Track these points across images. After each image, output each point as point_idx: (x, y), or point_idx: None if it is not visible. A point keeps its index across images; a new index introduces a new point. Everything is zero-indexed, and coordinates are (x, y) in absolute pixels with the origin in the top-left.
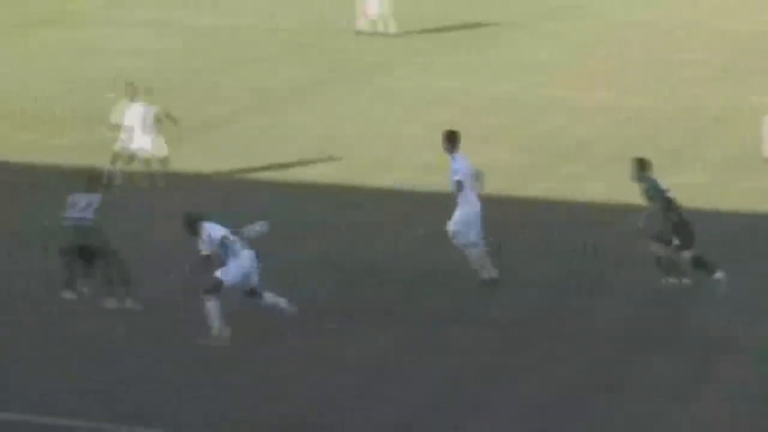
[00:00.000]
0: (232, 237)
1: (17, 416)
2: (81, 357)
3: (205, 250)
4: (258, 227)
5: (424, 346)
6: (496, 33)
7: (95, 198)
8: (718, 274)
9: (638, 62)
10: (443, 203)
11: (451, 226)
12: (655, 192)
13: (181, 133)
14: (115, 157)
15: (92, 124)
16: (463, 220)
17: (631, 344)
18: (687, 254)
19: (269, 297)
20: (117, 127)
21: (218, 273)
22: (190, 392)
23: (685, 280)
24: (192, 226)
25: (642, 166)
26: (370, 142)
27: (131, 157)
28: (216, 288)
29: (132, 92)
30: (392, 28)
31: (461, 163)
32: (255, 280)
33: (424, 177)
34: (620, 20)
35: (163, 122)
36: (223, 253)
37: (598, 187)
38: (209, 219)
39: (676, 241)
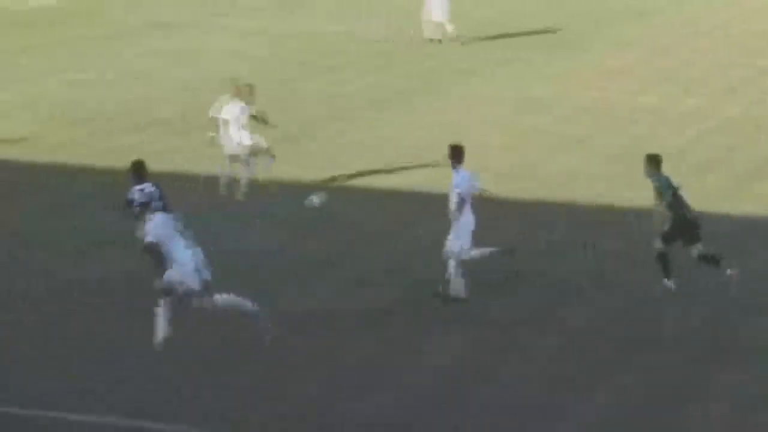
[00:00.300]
0: (177, 233)
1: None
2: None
3: (149, 237)
4: (317, 199)
5: (493, 349)
6: (578, 39)
7: (153, 190)
8: (729, 270)
9: (723, 68)
10: (523, 211)
11: (448, 242)
12: (665, 189)
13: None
14: (233, 158)
15: (188, 129)
16: (457, 233)
17: None
18: (694, 251)
19: (223, 299)
20: (215, 121)
21: (166, 275)
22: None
23: (668, 283)
24: (137, 211)
25: (654, 163)
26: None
27: (233, 158)
28: (167, 291)
29: (235, 90)
30: (450, 34)
31: (463, 177)
32: (206, 278)
33: (505, 184)
34: (700, 27)
35: (259, 122)
36: (167, 247)
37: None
38: (166, 211)
39: (681, 239)
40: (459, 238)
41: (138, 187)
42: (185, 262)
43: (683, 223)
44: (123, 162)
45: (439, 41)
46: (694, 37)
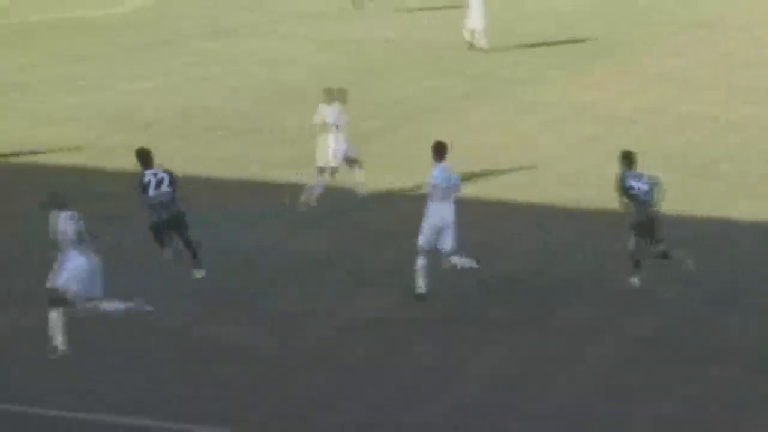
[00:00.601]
0: (76, 237)
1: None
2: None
3: (54, 234)
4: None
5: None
6: (630, 46)
7: (163, 173)
8: (689, 261)
9: None
10: (576, 216)
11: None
12: (622, 187)
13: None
14: (321, 170)
15: (244, 134)
16: (425, 226)
17: None
18: (654, 249)
19: (105, 304)
20: (325, 126)
21: (53, 279)
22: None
23: (634, 281)
24: (49, 206)
25: (624, 160)
26: (512, 155)
27: (333, 170)
28: (57, 300)
29: (329, 96)
30: (480, 42)
31: (439, 172)
32: (96, 289)
33: (560, 190)
34: (752, 35)
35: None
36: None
37: (744, 206)
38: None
39: (644, 237)
40: (421, 231)
41: (150, 171)
42: (76, 268)
43: (643, 221)
44: (182, 168)
45: (474, 47)
46: (754, 45)
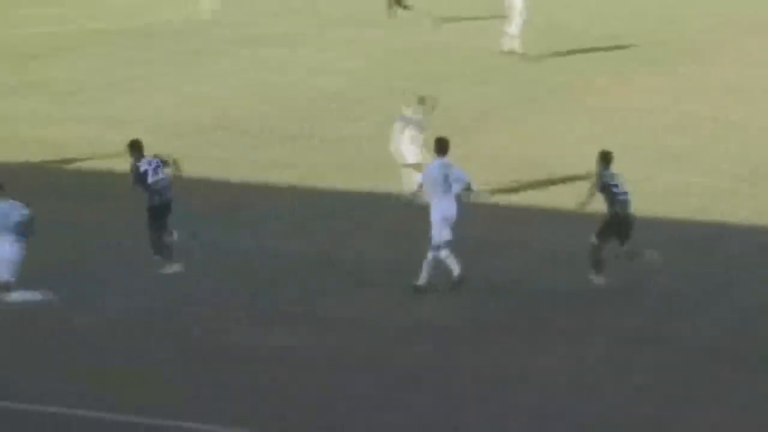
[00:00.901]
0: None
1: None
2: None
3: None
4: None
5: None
6: (683, 53)
7: (155, 159)
8: (652, 257)
9: None
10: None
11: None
12: (604, 185)
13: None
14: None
15: (301, 141)
16: (434, 220)
17: None
18: (623, 248)
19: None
20: (407, 129)
21: None
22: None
23: (598, 280)
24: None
25: (601, 159)
26: (559, 162)
27: (417, 167)
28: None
29: (419, 101)
30: (513, 46)
31: (436, 166)
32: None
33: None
34: None
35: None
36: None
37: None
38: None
39: (614, 236)
40: (432, 226)
41: (146, 160)
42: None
43: (614, 221)
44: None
45: (513, 52)
46: None
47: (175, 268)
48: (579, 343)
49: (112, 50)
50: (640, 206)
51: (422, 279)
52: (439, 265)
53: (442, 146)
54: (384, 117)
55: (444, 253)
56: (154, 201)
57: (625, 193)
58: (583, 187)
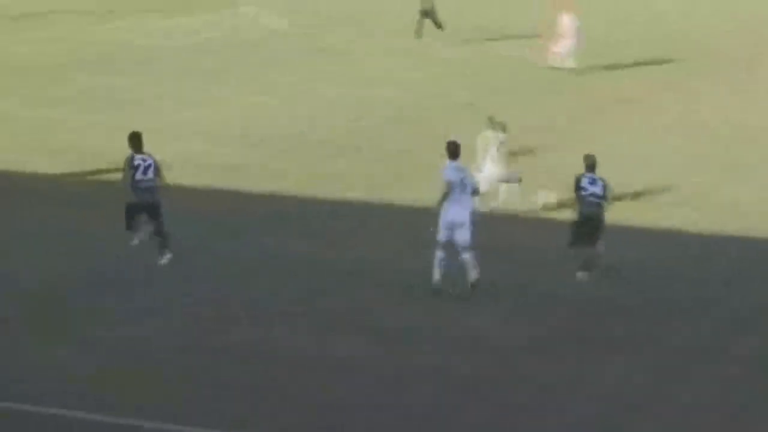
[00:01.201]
0: None
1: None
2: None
3: None
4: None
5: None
6: (745, 63)
7: (151, 159)
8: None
9: None
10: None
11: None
12: (575, 186)
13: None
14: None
15: (361, 153)
16: (440, 222)
17: None
18: (596, 249)
19: None
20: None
21: None
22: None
23: (581, 274)
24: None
25: (586, 163)
26: (629, 174)
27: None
28: None
29: (491, 123)
30: (571, 63)
31: (451, 170)
32: None
33: (672, 210)
34: None
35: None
36: None
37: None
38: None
39: (582, 237)
40: (438, 227)
41: (140, 156)
42: None
43: (579, 220)
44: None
45: (563, 67)
46: None
47: (167, 258)
48: (642, 354)
49: (173, 63)
50: (705, 219)
51: (472, 276)
52: (442, 264)
53: (454, 150)
54: (443, 129)
55: (466, 256)
56: (133, 198)
57: (594, 195)
58: (649, 199)
